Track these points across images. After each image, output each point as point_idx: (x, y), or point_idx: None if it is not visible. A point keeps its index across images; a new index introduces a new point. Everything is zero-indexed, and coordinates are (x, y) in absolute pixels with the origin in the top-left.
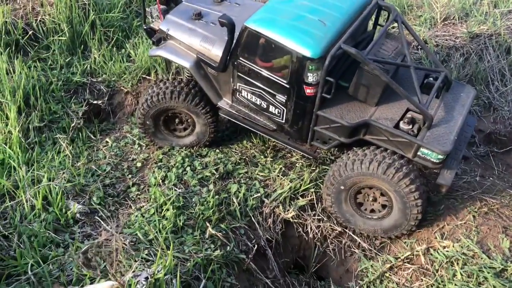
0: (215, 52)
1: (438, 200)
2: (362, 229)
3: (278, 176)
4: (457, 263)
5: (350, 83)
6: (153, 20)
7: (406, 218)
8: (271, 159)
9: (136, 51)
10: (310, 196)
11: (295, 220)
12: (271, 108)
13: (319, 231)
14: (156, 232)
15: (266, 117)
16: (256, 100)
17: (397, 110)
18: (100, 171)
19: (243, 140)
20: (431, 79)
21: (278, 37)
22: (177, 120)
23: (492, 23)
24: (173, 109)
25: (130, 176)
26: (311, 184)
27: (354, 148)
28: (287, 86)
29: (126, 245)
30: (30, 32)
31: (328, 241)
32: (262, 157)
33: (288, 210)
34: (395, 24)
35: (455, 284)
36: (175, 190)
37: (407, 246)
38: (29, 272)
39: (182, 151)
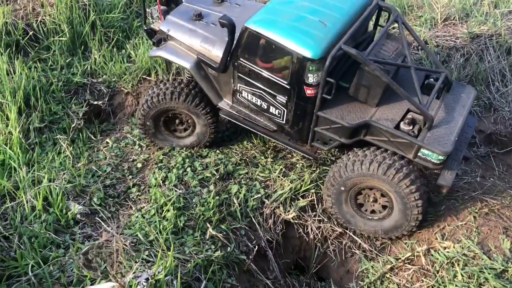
0: (216, 52)
1: (439, 201)
2: (363, 230)
3: (278, 177)
4: (458, 264)
5: (351, 84)
6: (154, 21)
7: (406, 219)
8: (271, 160)
9: (136, 52)
10: (311, 197)
11: (296, 221)
12: (272, 109)
13: (319, 232)
14: (157, 233)
15: (266, 118)
16: (257, 101)
17: (397, 111)
18: (101, 171)
19: (244, 140)
20: (432, 79)
21: (279, 38)
22: (177, 121)
23: (493, 24)
24: (173, 110)
25: (130, 177)
26: (312, 185)
27: (355, 149)
28: (288, 87)
29: (126, 246)
30: (31, 33)
31: (329, 242)
32: (262, 157)
33: (289, 211)
34: (396, 25)
35: (456, 285)
36: (175, 191)
37: (407, 247)
38: (30, 273)
39: (183, 152)
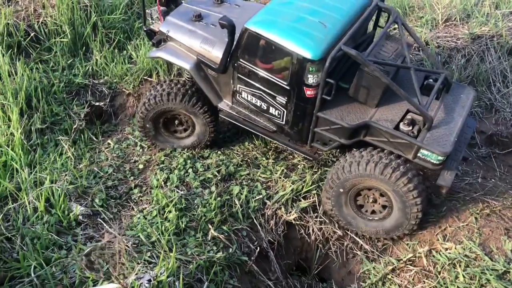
0: (215, 53)
1: (440, 202)
2: (364, 231)
3: (280, 178)
4: (460, 265)
5: (351, 84)
6: (153, 21)
7: (406, 218)
8: (273, 161)
9: (137, 53)
10: (312, 198)
11: (297, 222)
12: (271, 110)
13: (321, 233)
14: (159, 234)
15: (266, 119)
16: (256, 101)
17: (397, 112)
18: (102, 173)
19: (245, 141)
20: (431, 80)
21: (279, 39)
22: (176, 122)
23: (494, 24)
24: (172, 110)
25: (132, 178)
26: (313, 186)
27: (352, 150)
28: (287, 87)
29: (128, 247)
30: (32, 34)
31: (330, 243)
32: (264, 158)
33: (290, 212)
34: (396, 26)
35: (458, 286)
36: (177, 192)
37: (409, 248)
38: (32, 275)
39: (184, 153)
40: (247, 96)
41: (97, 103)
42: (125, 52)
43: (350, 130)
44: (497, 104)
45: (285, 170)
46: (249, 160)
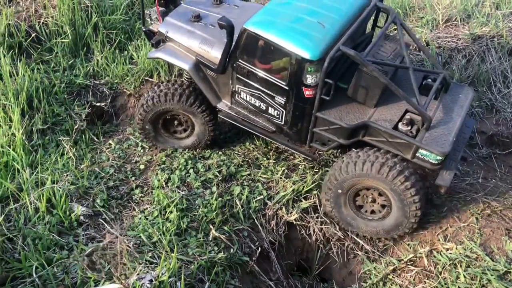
0: (214, 54)
1: (441, 202)
2: (365, 232)
3: (281, 178)
4: (461, 266)
5: (349, 84)
6: (152, 22)
7: (406, 216)
8: (273, 161)
9: (138, 53)
10: (313, 199)
11: (298, 223)
12: (270, 110)
13: (322, 233)
14: (160, 234)
15: (265, 119)
16: (255, 102)
17: (396, 112)
18: (104, 173)
19: (246, 142)
20: (430, 80)
21: (277, 39)
22: (176, 122)
23: (494, 25)
24: (170, 111)
25: (133, 178)
26: (314, 186)
27: (352, 150)
28: (286, 88)
29: (130, 247)
30: (33, 35)
31: (331, 243)
32: (265, 159)
33: (291, 212)
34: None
35: (459, 287)
36: (178, 192)
37: (410, 248)
38: (34, 275)
39: (185, 153)
40: (246, 97)
41: (98, 104)
42: (126, 52)
43: (349, 130)
44: (498, 104)
45: (286, 171)
46: (250, 161)
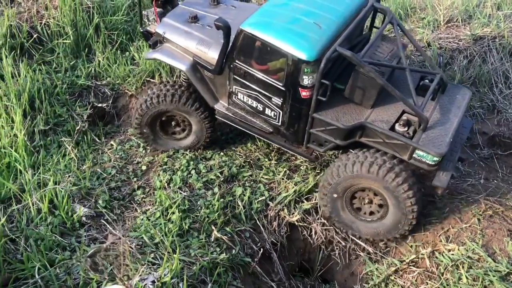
0: (211, 55)
1: (443, 204)
2: (366, 234)
3: (282, 179)
4: (463, 267)
5: (346, 85)
6: (150, 23)
7: (403, 213)
8: (275, 162)
9: (140, 54)
10: (315, 200)
11: (300, 224)
12: (267, 111)
13: (323, 234)
14: (162, 235)
15: (262, 120)
16: (252, 102)
17: (392, 112)
18: (106, 174)
19: (247, 143)
20: (427, 81)
21: (274, 40)
22: (173, 123)
23: (496, 25)
24: (165, 112)
25: (135, 179)
26: (316, 187)
27: (343, 153)
28: (283, 88)
29: (132, 248)
30: (35, 35)
31: (333, 244)
32: (266, 160)
33: (293, 213)
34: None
35: None
36: (180, 193)
37: (412, 249)
38: (36, 276)
39: (187, 154)
40: (243, 97)
41: (99, 105)
42: (127, 53)
43: (345, 131)
44: (499, 105)
45: (287, 171)
46: (251, 161)
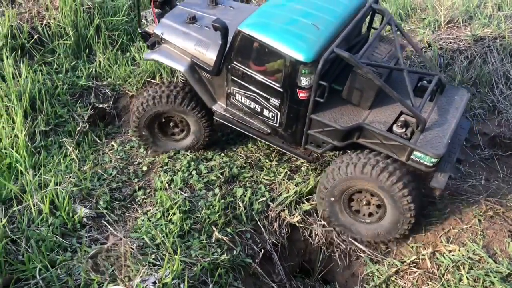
0: (209, 55)
1: (443, 204)
2: (367, 236)
3: (283, 180)
4: (463, 268)
5: (344, 86)
6: (148, 23)
7: (400, 212)
8: (276, 163)
9: (141, 55)
10: (315, 201)
11: (301, 225)
12: (265, 112)
13: (324, 235)
14: (163, 236)
15: (260, 121)
16: (250, 103)
17: (390, 114)
18: (106, 175)
19: (248, 143)
20: (425, 82)
21: (271, 41)
22: (171, 124)
23: (496, 26)
24: (162, 113)
25: (136, 180)
26: (317, 188)
27: (336, 156)
28: (281, 90)
29: (133, 249)
30: (36, 36)
31: (334, 245)
32: (267, 160)
33: (294, 214)
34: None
35: None
36: (181, 194)
37: (413, 250)
38: (38, 277)
39: (188, 155)
40: (241, 98)
41: (100, 105)
42: (128, 54)
43: (343, 132)
44: (500, 106)
45: (288, 172)
46: (252, 162)
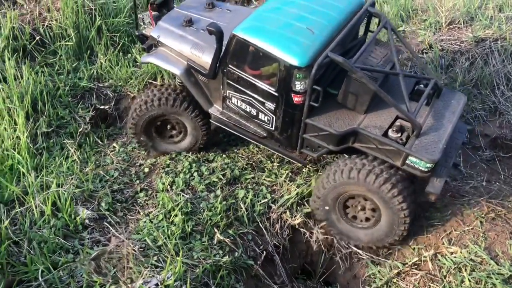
0: (205, 59)
1: (445, 206)
2: (366, 242)
3: (285, 181)
4: (465, 269)
5: (339, 90)
6: (145, 26)
7: (393, 212)
8: (277, 165)
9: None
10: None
11: (302, 229)
12: (261, 116)
13: (325, 237)
14: (165, 238)
15: (256, 124)
16: (246, 107)
17: (386, 118)
18: (108, 176)
19: (250, 145)
20: (422, 86)
21: (266, 46)
22: (169, 127)
23: (498, 27)
24: (157, 116)
25: (138, 181)
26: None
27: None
28: (276, 94)
29: (135, 251)
30: (37, 38)
31: (335, 247)
32: (268, 162)
33: (295, 216)
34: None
35: None
36: (183, 195)
37: (414, 251)
38: (40, 279)
39: (189, 157)
40: (237, 102)
41: (102, 107)
42: (129, 55)
43: (338, 137)
44: (501, 107)
45: (290, 174)
46: (254, 164)
